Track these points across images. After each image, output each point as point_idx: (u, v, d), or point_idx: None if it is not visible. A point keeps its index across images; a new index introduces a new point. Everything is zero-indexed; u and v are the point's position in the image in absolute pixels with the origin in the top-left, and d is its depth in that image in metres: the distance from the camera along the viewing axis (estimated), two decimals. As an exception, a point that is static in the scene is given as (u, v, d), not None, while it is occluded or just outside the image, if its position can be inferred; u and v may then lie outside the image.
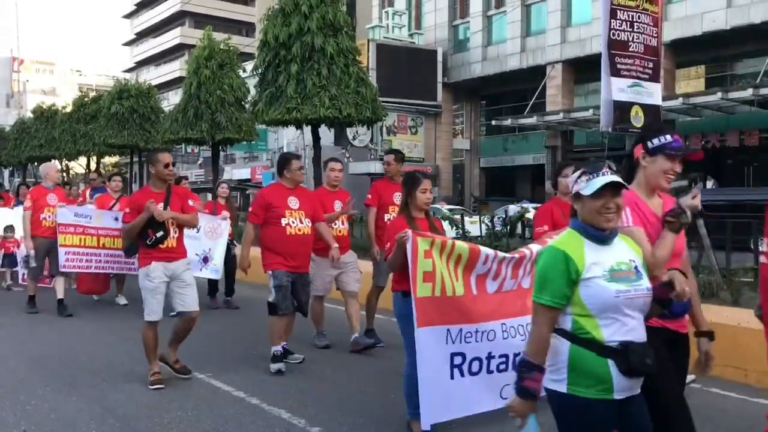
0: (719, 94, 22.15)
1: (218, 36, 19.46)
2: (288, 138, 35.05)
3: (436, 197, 34.61)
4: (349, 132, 28.65)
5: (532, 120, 27.92)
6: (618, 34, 7.75)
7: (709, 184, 23.62)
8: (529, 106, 28.54)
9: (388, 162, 7.12)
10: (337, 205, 6.71)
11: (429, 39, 34.50)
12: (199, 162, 44.68)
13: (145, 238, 5.42)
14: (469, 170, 35.20)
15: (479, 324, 4.29)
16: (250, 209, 5.75)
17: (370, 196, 6.94)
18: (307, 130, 15.93)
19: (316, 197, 6.42)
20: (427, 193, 4.56)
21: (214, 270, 9.15)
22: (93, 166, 34.86)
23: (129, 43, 72.17)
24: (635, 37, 7.84)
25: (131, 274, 8.84)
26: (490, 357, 4.35)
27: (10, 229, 11.12)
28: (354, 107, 14.25)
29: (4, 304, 9.66)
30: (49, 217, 8.73)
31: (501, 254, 4.42)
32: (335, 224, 6.66)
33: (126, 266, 8.93)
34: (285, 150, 37.64)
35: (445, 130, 34.58)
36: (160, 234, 5.40)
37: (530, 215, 13.88)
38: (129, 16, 71.34)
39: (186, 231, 5.88)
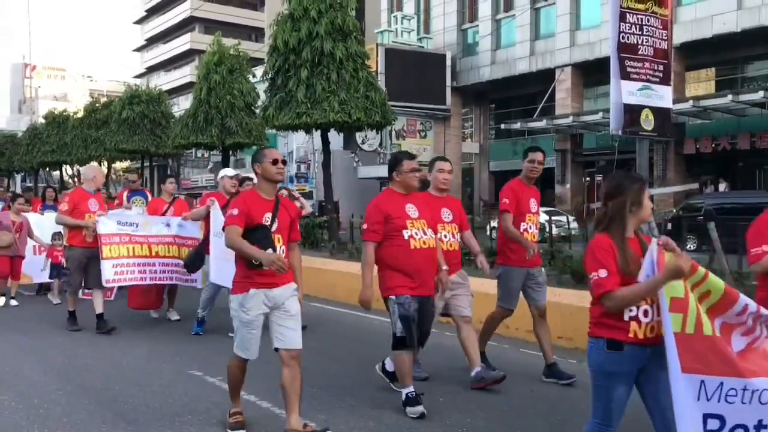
0: (730, 97, 22.08)
1: (228, 41, 19.59)
2: (297, 142, 35.17)
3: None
4: (358, 136, 28.72)
5: (541, 123, 27.88)
6: (627, 37, 7.74)
7: (722, 187, 23.51)
8: (539, 109, 28.51)
9: (539, 161, 5.82)
10: (446, 214, 5.63)
11: (438, 43, 34.54)
12: (209, 167, 44.84)
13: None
14: (478, 174, 35.18)
15: (748, 379, 3.03)
16: (364, 227, 4.92)
17: (506, 200, 5.72)
18: (317, 134, 16.01)
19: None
20: (649, 207, 3.35)
21: None
22: (104, 170, 35.05)
23: (139, 49, 72.59)
24: (644, 40, 7.82)
25: (186, 286, 8.43)
26: (760, 426, 3.09)
27: (58, 236, 9.83)
28: (363, 111, 14.31)
29: (26, 311, 9.74)
30: (91, 225, 7.74)
31: (762, 309, 3.18)
32: (445, 236, 5.55)
33: (185, 276, 8.17)
34: (294, 154, 37.78)
35: (454, 133, 34.58)
36: (269, 251, 4.26)
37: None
38: (139, 21, 71.77)
39: None
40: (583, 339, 3.72)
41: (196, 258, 7.74)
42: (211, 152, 31.21)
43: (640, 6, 7.76)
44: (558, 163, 29.23)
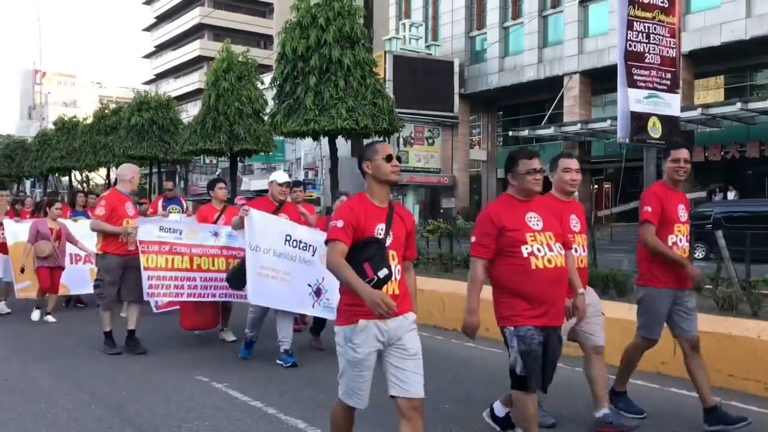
0: (739, 105, 22.01)
1: (237, 48, 19.67)
2: (305, 149, 35.24)
3: (452, 208, 34.44)
4: (366, 143, 28.73)
5: (549, 131, 27.88)
6: (634, 45, 7.74)
7: (731, 195, 23.41)
8: (547, 116, 28.51)
9: (685, 159, 4.89)
10: (574, 222, 4.69)
11: (446, 50, 34.60)
12: (217, 173, 45.01)
13: (362, 276, 3.39)
14: (486, 181, 35.15)
15: None
16: (472, 239, 4.07)
17: (649, 208, 4.76)
18: (324, 141, 16.02)
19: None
20: None
21: (328, 308, 6.44)
22: (113, 177, 35.19)
23: (149, 56, 73.11)
24: (651, 48, 7.82)
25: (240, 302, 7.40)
26: None
27: None
28: (371, 119, 14.32)
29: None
30: (132, 231, 6.97)
31: None
32: (575, 250, 4.52)
33: (232, 291, 7.10)
34: (302, 161, 37.89)
35: (461, 141, 34.60)
36: (383, 273, 3.42)
37: None
38: (149, 29, 72.31)
39: (300, 253, 5.56)
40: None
41: (238, 274, 6.62)
42: (220, 158, 31.30)
43: (647, 14, 7.77)
44: (566, 170, 29.20)
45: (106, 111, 33.09)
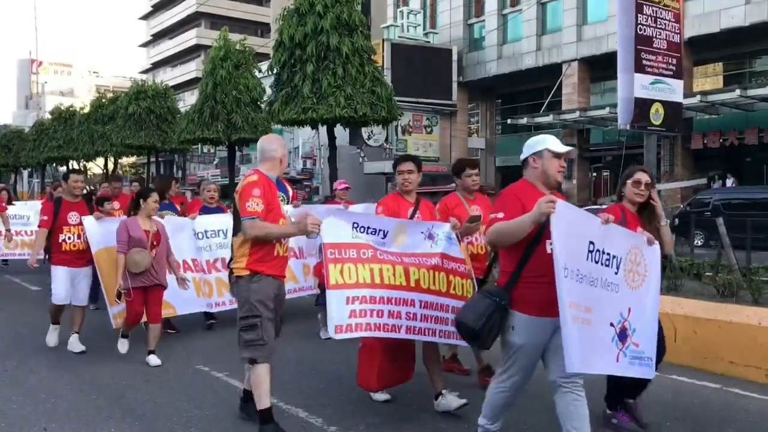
0: (738, 92, 21.96)
1: (234, 37, 19.58)
2: (303, 138, 35.15)
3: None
4: (364, 132, 28.68)
5: (548, 118, 27.80)
6: (644, 29, 7.64)
7: (729, 182, 23.42)
8: (545, 104, 28.41)
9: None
10: None
11: (444, 38, 34.43)
12: (215, 162, 44.94)
13: None
14: (484, 169, 35.10)
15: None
16: None
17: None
18: (323, 129, 15.97)
19: None
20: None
21: (638, 358, 4.03)
22: (111, 166, 35.15)
23: (145, 45, 72.75)
24: (658, 33, 7.74)
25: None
26: None
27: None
28: (369, 107, 14.28)
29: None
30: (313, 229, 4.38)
31: None
32: None
33: (448, 329, 4.62)
34: (300, 149, 37.75)
35: (460, 129, 34.50)
36: None
37: None
38: (145, 17, 71.90)
39: (603, 271, 3.37)
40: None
41: (480, 314, 3.62)
42: (217, 147, 31.23)
43: (655, -1, 7.69)
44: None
45: (103, 100, 32.98)
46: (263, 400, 4.33)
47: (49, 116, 39.13)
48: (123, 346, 6.51)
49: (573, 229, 3.47)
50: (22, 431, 4.54)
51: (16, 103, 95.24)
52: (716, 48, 25.04)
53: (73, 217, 6.71)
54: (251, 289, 4.32)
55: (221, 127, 18.05)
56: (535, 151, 3.76)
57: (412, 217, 4.99)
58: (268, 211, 4.33)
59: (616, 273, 3.65)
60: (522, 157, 3.85)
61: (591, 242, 3.55)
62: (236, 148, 21.05)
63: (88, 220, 6.69)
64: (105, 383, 5.66)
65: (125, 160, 46.32)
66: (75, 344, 6.75)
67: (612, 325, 3.64)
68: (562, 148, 3.72)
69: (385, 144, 32.14)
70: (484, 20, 33.34)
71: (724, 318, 5.90)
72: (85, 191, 8.13)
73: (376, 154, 31.48)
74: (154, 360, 6.21)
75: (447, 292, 4.69)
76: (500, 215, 3.54)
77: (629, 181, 4.39)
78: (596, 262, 3.57)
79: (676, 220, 17.48)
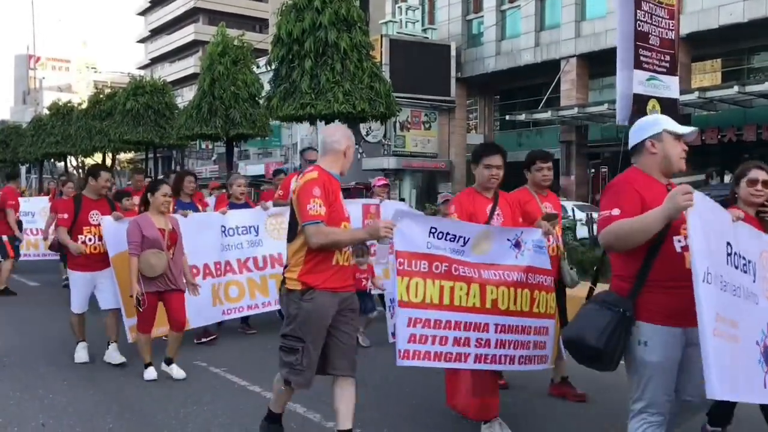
0: (736, 88, 21.95)
1: (232, 32, 19.52)
2: (302, 134, 35.12)
3: (451, 193, 34.55)
4: (362, 128, 28.65)
5: (546, 115, 27.78)
6: (642, 25, 7.63)
7: (728, 178, 23.45)
8: (544, 100, 28.39)
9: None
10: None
11: (442, 34, 34.40)
12: (213, 158, 44.90)
13: None
14: (483, 166, 35.09)
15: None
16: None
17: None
18: (321, 125, 15.95)
19: None
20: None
21: None
22: (108, 162, 35.08)
23: (143, 40, 72.60)
24: (653, 29, 7.74)
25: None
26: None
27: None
28: (368, 103, 14.27)
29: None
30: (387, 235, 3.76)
31: None
32: None
33: (530, 353, 4.23)
34: (298, 145, 37.72)
35: (458, 125, 34.48)
36: None
37: None
38: (143, 13, 71.73)
39: (745, 280, 2.94)
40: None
41: (602, 317, 3.04)
42: (216, 143, 31.20)
43: (651, -6, 7.67)
44: (563, 154, 29.11)
45: (101, 96, 32.89)
46: (277, 407, 4.16)
47: (47, 112, 38.98)
48: (149, 374, 5.66)
49: (710, 227, 2.92)
50: (20, 426, 4.54)
51: (14, 99, 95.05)
52: (715, 44, 25.03)
53: (94, 216, 6.09)
54: (302, 308, 3.68)
55: (219, 123, 18.01)
56: (652, 134, 3.14)
57: (491, 215, 4.43)
58: (329, 213, 3.67)
59: (753, 281, 3.09)
60: (633, 141, 3.24)
61: (728, 243, 2.99)
62: (234, 143, 21.02)
63: (106, 221, 6.07)
64: (103, 378, 5.66)
65: (123, 156, 46.22)
66: (114, 355, 6.09)
67: (757, 343, 3.03)
68: (683, 129, 3.15)
69: (383, 140, 32.14)
70: (482, 16, 33.29)
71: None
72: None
73: (374, 151, 31.47)
74: (177, 372, 5.59)
75: (530, 311, 4.17)
76: (616, 212, 2.94)
77: (743, 180, 3.83)
78: (736, 267, 3.00)
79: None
